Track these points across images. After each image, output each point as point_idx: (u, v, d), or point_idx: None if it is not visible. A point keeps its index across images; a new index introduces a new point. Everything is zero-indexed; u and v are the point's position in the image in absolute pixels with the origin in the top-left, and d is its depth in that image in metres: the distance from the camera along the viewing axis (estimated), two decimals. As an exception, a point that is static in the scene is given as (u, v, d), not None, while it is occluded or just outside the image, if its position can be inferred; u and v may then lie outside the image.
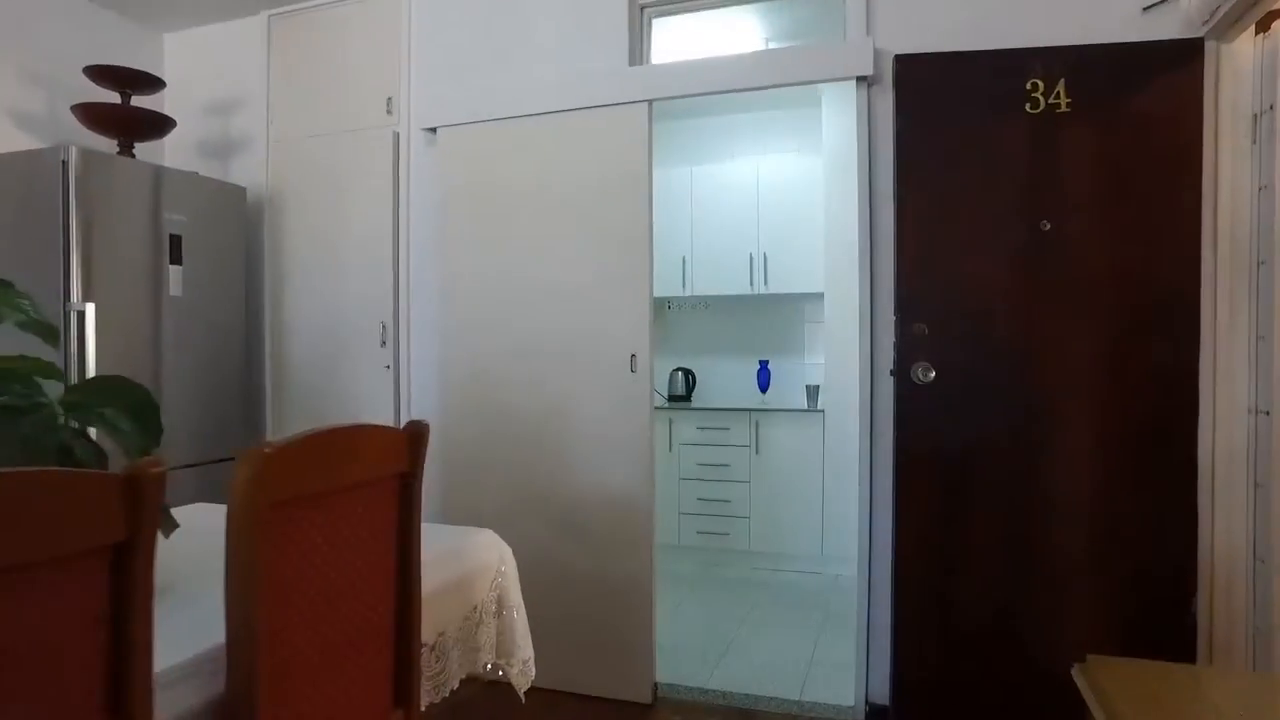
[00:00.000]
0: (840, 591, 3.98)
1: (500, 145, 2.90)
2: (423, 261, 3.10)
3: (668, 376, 4.86)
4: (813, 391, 4.34)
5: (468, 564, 1.71)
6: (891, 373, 2.34)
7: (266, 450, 1.00)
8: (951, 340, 2.26)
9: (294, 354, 3.30)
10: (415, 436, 1.33)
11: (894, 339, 2.33)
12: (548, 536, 2.81)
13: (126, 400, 1.29)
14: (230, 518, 0.98)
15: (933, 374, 2.19)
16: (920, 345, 2.25)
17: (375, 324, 3.15)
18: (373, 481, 1.27)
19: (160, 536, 0.87)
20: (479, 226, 2.94)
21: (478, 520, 2.95)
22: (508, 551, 1.86)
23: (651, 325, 2.70)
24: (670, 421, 4.46)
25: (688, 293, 4.70)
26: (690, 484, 4.44)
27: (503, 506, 2.88)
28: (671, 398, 4.82)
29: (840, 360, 4.16)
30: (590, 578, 2.76)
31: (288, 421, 3.30)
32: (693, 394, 4.86)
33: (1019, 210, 2.21)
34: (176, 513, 1.23)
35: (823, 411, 4.19)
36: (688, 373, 4.85)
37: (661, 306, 5.06)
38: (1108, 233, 2.16)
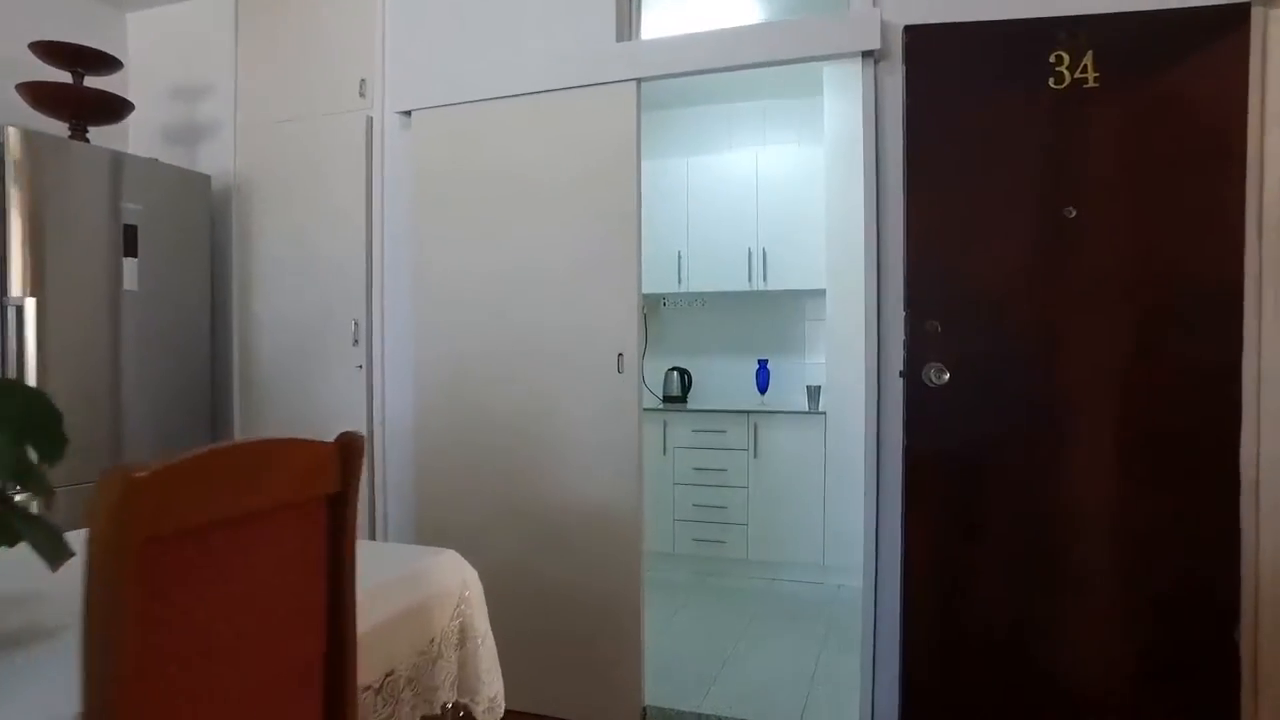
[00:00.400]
0: (843, 603, 3.78)
1: (478, 129, 2.70)
2: (397, 254, 2.91)
3: (662, 376, 4.66)
4: (814, 392, 4.15)
5: (425, 590, 1.52)
6: (901, 374, 2.14)
7: (138, 474, 0.80)
8: (966, 339, 2.06)
9: (264, 353, 3.11)
10: (347, 451, 1.13)
11: (904, 338, 2.13)
12: (528, 549, 2.62)
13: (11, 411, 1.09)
14: (89, 560, 0.78)
15: (946, 376, 1.99)
16: (932, 344, 2.05)
17: (347, 321, 2.95)
18: (291, 505, 1.07)
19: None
20: (455, 217, 2.74)
21: (454, 531, 2.79)
22: (472, 574, 1.67)
23: (640, 322, 2.51)
24: (664, 423, 4.27)
25: (683, 289, 4.51)
26: (685, 489, 4.25)
27: (480, 517, 2.68)
28: (666, 398, 4.63)
29: (843, 360, 3.96)
30: (574, 593, 2.56)
31: (257, 425, 3.11)
32: (688, 394, 4.66)
33: (1041, 196, 2.01)
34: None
35: (824, 414, 4.00)
36: (683, 372, 4.65)
37: (656, 303, 4.87)
38: (1139, 220, 1.96)
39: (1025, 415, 2.02)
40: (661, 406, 4.40)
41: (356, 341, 2.94)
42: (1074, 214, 1.97)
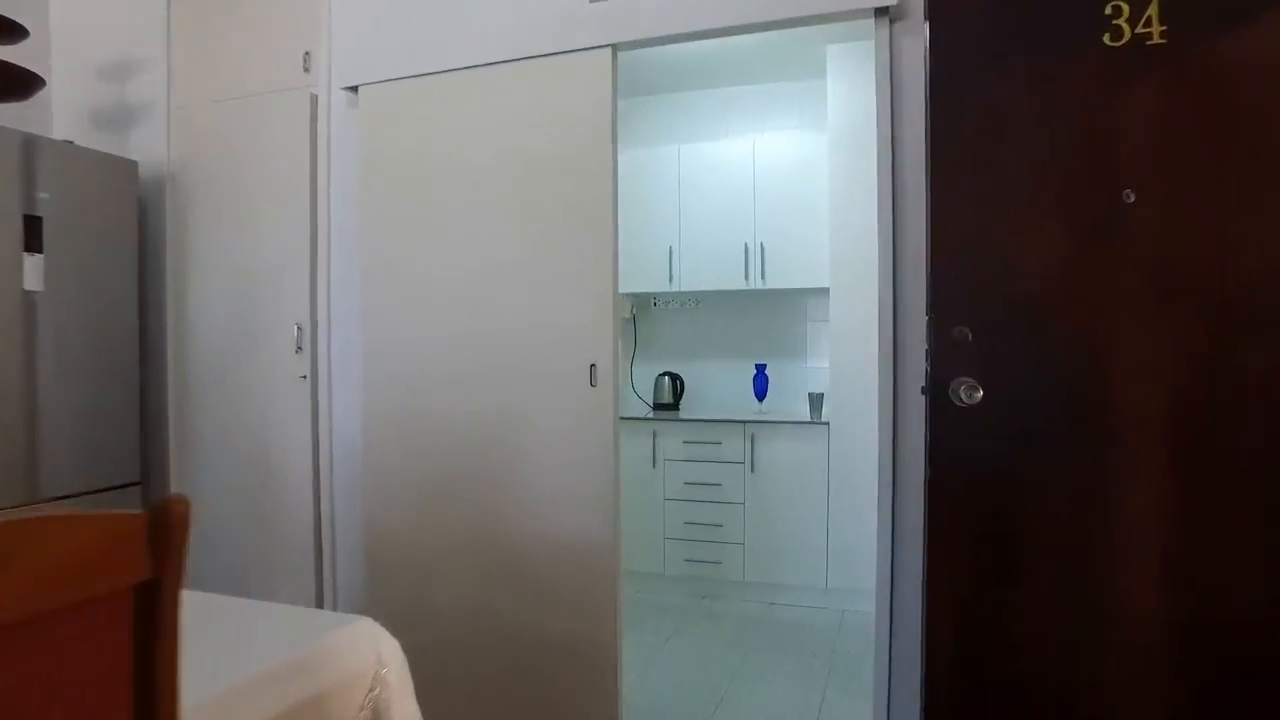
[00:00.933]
0: (849, 631, 3.45)
1: (433, 107, 2.36)
2: (346, 251, 2.57)
3: (652, 382, 4.33)
4: (816, 400, 3.81)
5: (325, 676, 1.18)
6: (923, 391, 1.80)
7: None
8: (1003, 349, 1.72)
9: (200, 361, 2.77)
10: (160, 525, 0.79)
11: (926, 347, 1.79)
12: (491, 584, 2.28)
13: None
14: None
15: (979, 394, 1.65)
16: (962, 355, 1.71)
17: (289, 326, 2.61)
18: (73, 606, 0.73)
19: None
20: (407, 208, 2.40)
21: (407, 565, 2.41)
22: (392, 646, 1.33)
23: (616, 327, 2.17)
24: (654, 434, 3.93)
25: (675, 288, 4.16)
26: (677, 505, 3.91)
27: (437, 548, 2.35)
28: (657, 406, 4.29)
29: (848, 365, 3.62)
30: (540, 636, 2.23)
31: (194, 443, 2.77)
32: (680, 402, 4.33)
33: (1094, 177, 1.67)
34: None
35: (828, 424, 3.66)
36: (675, 378, 4.31)
37: (646, 303, 4.53)
38: (1212, 207, 1.62)
39: (1074, 441, 1.69)
40: (651, 415, 4.06)
41: (300, 349, 2.60)
42: (1133, 199, 1.63)
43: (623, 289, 4.44)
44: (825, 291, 3.78)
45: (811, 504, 3.68)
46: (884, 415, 1.98)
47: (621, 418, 4.11)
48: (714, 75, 4.21)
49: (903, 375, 1.96)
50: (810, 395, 3.82)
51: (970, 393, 1.65)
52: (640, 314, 4.53)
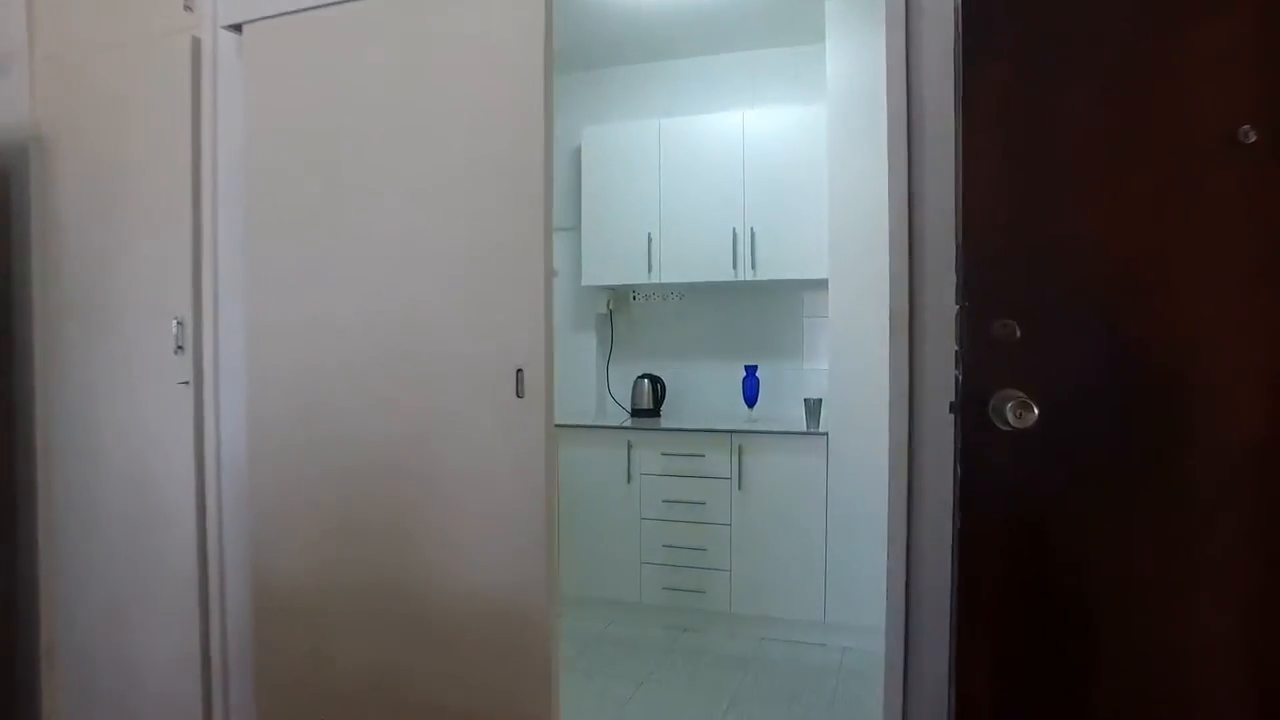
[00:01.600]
0: (850, 671, 2.99)
1: (327, 46, 1.89)
2: (234, 230, 2.10)
3: (630, 385, 3.86)
4: (813, 407, 3.34)
5: None
6: (952, 408, 1.33)
7: None
8: (1066, 350, 1.25)
9: (71, 361, 2.30)
10: None
11: (956, 348, 1.32)
12: (396, 645, 1.82)
13: None
14: None
15: (1034, 415, 1.17)
16: (1007, 359, 1.24)
17: (167, 321, 2.14)
18: None
19: None
20: (296, 171, 1.93)
21: (299, 623, 1.90)
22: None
23: (549, 322, 1.69)
24: (629, 445, 3.46)
25: (655, 279, 3.69)
26: (654, 526, 3.44)
27: (334, 596, 1.88)
28: (635, 412, 3.82)
29: (851, 367, 3.16)
30: (460, 707, 1.76)
31: (62, 463, 2.30)
32: (662, 407, 3.86)
33: (1195, 109, 1.20)
34: None
35: (826, 434, 3.19)
36: (655, 381, 3.84)
37: (625, 297, 4.05)
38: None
39: (1166, 482, 1.21)
40: (628, 424, 3.58)
41: (181, 348, 2.13)
42: (1253, 138, 1.16)
43: (598, 281, 4.01)
44: (824, 283, 3.31)
45: (807, 526, 3.22)
46: (897, 437, 1.51)
47: (594, 426, 3.69)
48: (698, 41, 3.73)
49: (921, 385, 1.49)
50: (807, 401, 3.35)
51: (1021, 412, 1.18)
52: (618, 309, 4.06)
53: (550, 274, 1.65)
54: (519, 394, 1.66)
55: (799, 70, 3.69)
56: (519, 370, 1.66)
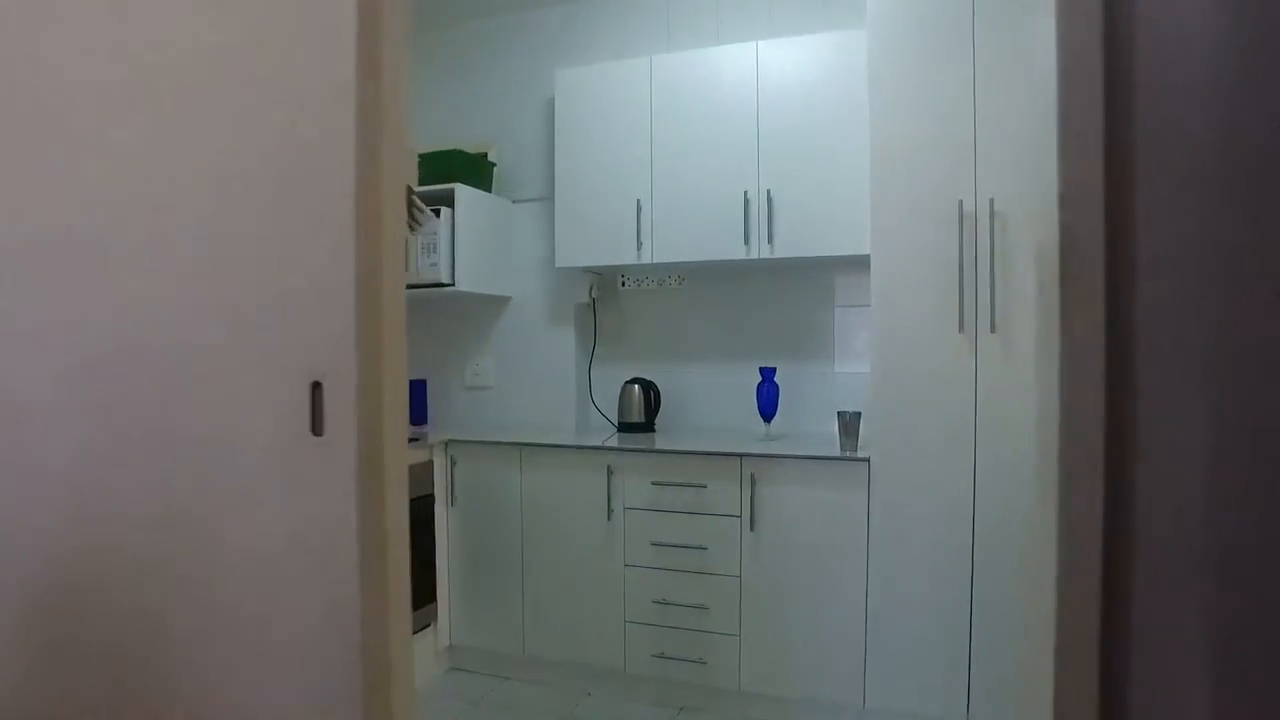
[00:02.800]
0: (900, 791, 2.20)
1: None
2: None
3: (618, 391, 3.10)
4: (850, 422, 2.54)
5: None
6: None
7: None
8: None
9: None
10: None
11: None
12: None
13: None
14: None
15: None
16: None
17: None
18: None
19: None
20: None
21: None
22: None
23: (353, 313, 0.91)
24: (609, 470, 2.69)
25: (646, 259, 2.91)
26: (642, 575, 2.67)
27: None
28: (624, 426, 3.05)
29: (901, 368, 2.37)
30: None
31: None
32: (656, 419, 3.09)
33: None
34: None
35: (868, 460, 2.40)
36: (648, 387, 3.07)
37: (611, 283, 3.28)
38: None
39: None
40: (612, 443, 2.81)
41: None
42: None
43: (575, 262, 3.11)
44: (863, 262, 2.51)
45: (842, 580, 2.43)
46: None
47: (560, 446, 2.83)
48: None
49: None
50: (841, 415, 2.56)
51: None
52: (603, 298, 3.29)
53: (356, 250, 0.88)
54: (316, 430, 0.89)
55: (829, -10, 2.90)
56: (315, 385, 0.89)
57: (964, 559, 2.27)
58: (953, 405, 2.29)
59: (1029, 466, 2.22)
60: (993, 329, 2.26)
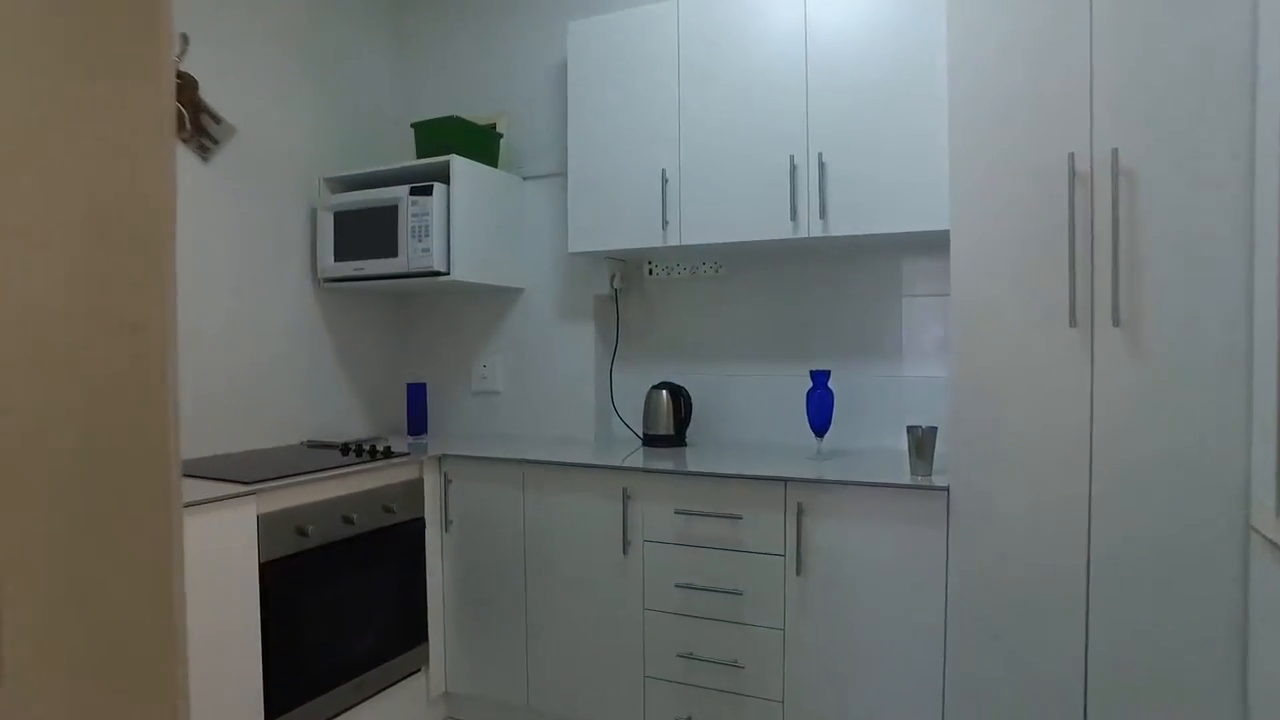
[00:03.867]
0: None
1: None
2: None
3: (642, 400, 2.64)
4: (923, 439, 2.02)
5: None
6: None
7: None
8: None
9: None
10: None
11: None
12: None
13: None
14: None
15: None
16: None
17: None
18: None
19: None
20: None
21: None
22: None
23: (171, 265, 0.48)
24: (625, 495, 2.23)
25: (674, 240, 2.44)
26: (665, 622, 2.21)
27: None
28: (649, 439, 2.59)
29: (993, 372, 1.84)
30: None
31: None
32: (687, 432, 2.62)
33: None
34: None
35: (946, 488, 1.88)
36: (677, 393, 2.60)
37: (636, 270, 2.82)
38: None
39: None
40: (630, 465, 2.35)
41: None
42: None
43: (591, 246, 2.36)
44: (939, 239, 1.99)
45: (913, 640, 1.92)
46: None
47: (566, 465, 2.16)
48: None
49: None
50: (912, 432, 2.03)
51: None
52: (627, 288, 2.83)
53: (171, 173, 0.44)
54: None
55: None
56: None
57: (1076, 620, 1.74)
58: (1060, 420, 1.76)
59: (1179, 500, 1.66)
60: (1115, 322, 1.72)
